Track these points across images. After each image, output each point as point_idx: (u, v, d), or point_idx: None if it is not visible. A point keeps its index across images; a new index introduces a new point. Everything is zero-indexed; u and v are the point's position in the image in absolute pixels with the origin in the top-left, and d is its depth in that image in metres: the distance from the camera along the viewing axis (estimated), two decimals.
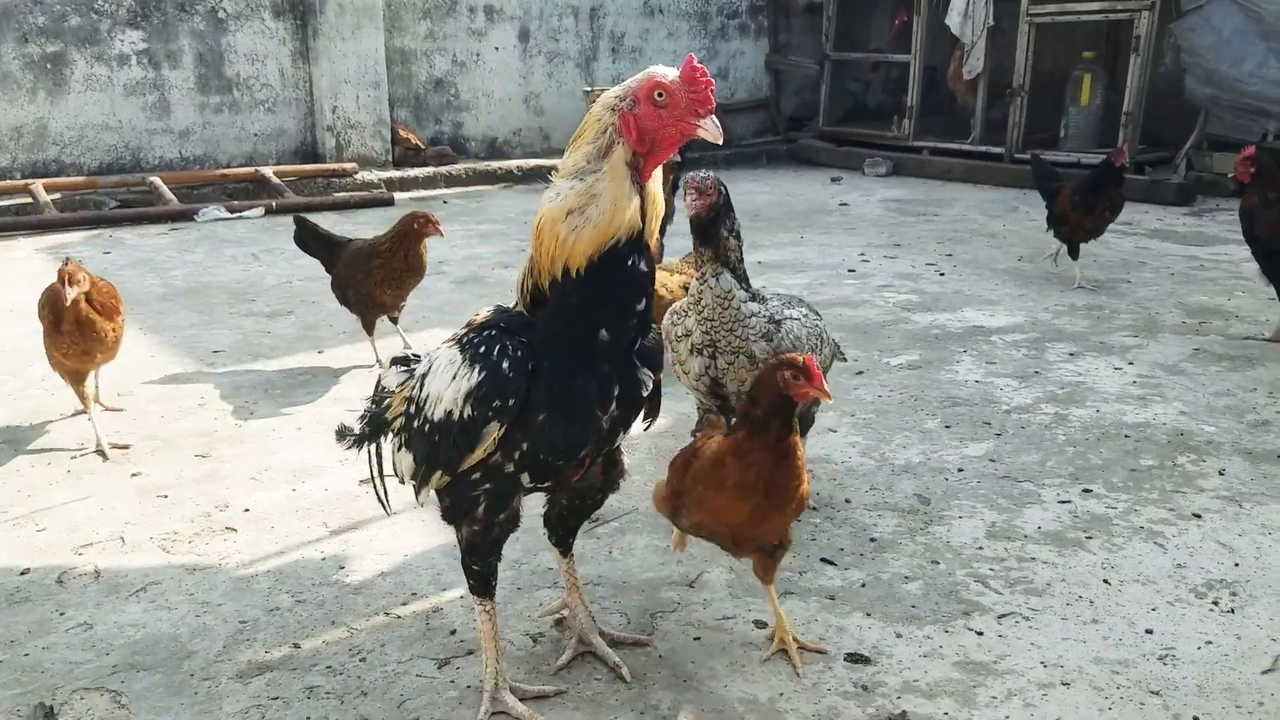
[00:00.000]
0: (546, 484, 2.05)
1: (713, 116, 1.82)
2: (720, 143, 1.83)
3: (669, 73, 1.83)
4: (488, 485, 1.99)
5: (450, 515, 2.09)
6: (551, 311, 1.89)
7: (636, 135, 1.82)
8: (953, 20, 9.93)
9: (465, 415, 1.89)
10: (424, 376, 2.03)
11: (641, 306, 1.88)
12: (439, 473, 2.02)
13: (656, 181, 1.88)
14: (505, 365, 1.86)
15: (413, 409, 2.05)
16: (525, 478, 1.98)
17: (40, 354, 4.56)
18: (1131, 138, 9.05)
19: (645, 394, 1.99)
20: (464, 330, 2.00)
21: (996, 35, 9.86)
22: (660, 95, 1.81)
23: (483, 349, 1.90)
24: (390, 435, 2.22)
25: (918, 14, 10.42)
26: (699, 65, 1.81)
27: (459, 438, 1.92)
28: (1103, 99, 9.54)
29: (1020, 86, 9.61)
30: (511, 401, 1.86)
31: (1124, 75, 9.14)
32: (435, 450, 1.99)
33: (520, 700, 2.17)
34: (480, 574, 2.15)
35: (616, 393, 1.91)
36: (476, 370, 1.88)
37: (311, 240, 4.67)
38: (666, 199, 2.15)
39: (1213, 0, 8.48)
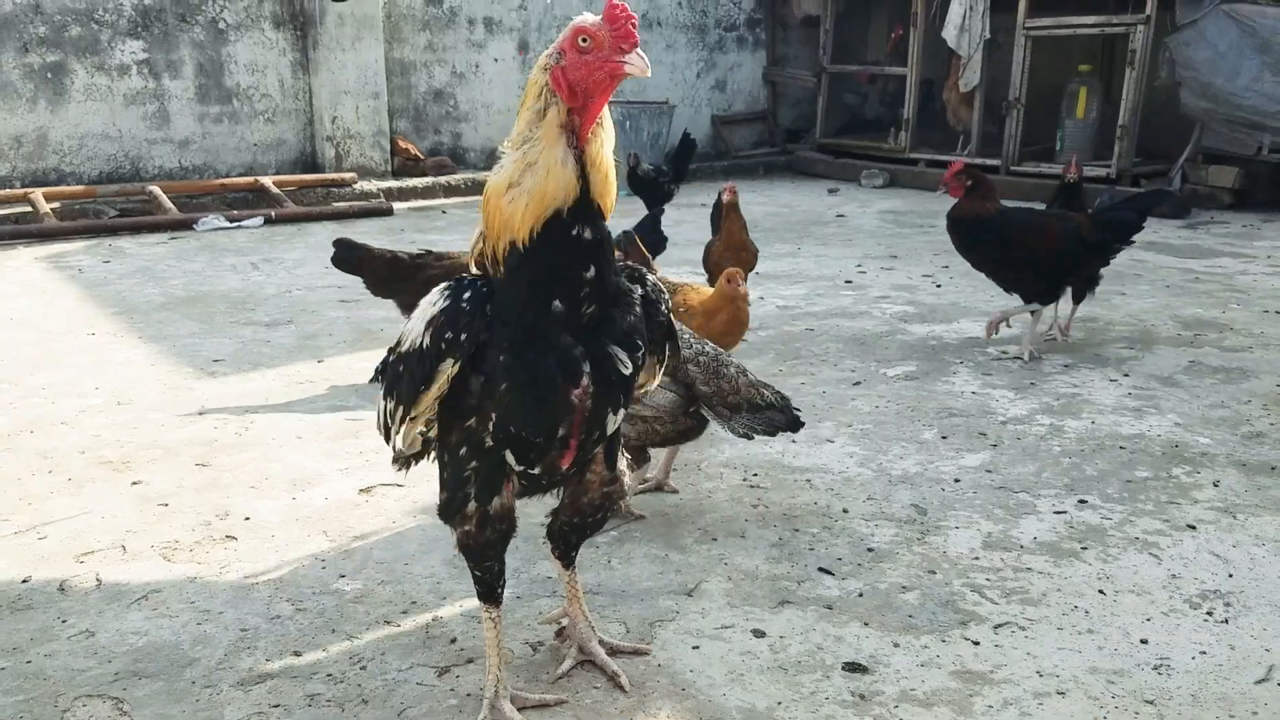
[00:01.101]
0: (536, 471, 2.00)
1: (638, 51, 1.73)
2: (647, 75, 1.75)
3: (590, 17, 1.76)
4: (474, 463, 1.96)
5: (444, 510, 2.06)
6: (505, 286, 1.84)
7: (568, 89, 1.75)
8: (949, 34, 10.00)
9: (424, 344, 1.86)
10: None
11: (591, 274, 1.81)
12: (401, 410, 1.95)
13: (600, 145, 1.80)
14: (465, 299, 1.85)
15: (392, 348, 2.02)
16: (511, 459, 1.95)
17: (42, 362, 4.59)
18: (1127, 151, 9.12)
19: (626, 373, 1.90)
20: None
21: (992, 48, 9.92)
22: (584, 40, 1.74)
23: (455, 285, 1.89)
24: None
25: (914, 27, 10.49)
26: (618, 3, 1.73)
27: (417, 368, 1.88)
28: (1098, 112, 9.61)
29: (1016, 99, 9.67)
30: (463, 336, 1.82)
31: (1119, 88, 9.21)
32: (398, 382, 1.94)
33: (521, 708, 2.19)
34: (483, 580, 2.14)
35: (588, 369, 1.86)
36: (443, 299, 1.88)
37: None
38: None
39: (1208, 15, 8.55)
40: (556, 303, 1.80)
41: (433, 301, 1.91)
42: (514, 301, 1.82)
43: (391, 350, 2.05)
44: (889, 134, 10.90)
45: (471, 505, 2.02)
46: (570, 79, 1.75)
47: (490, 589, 2.15)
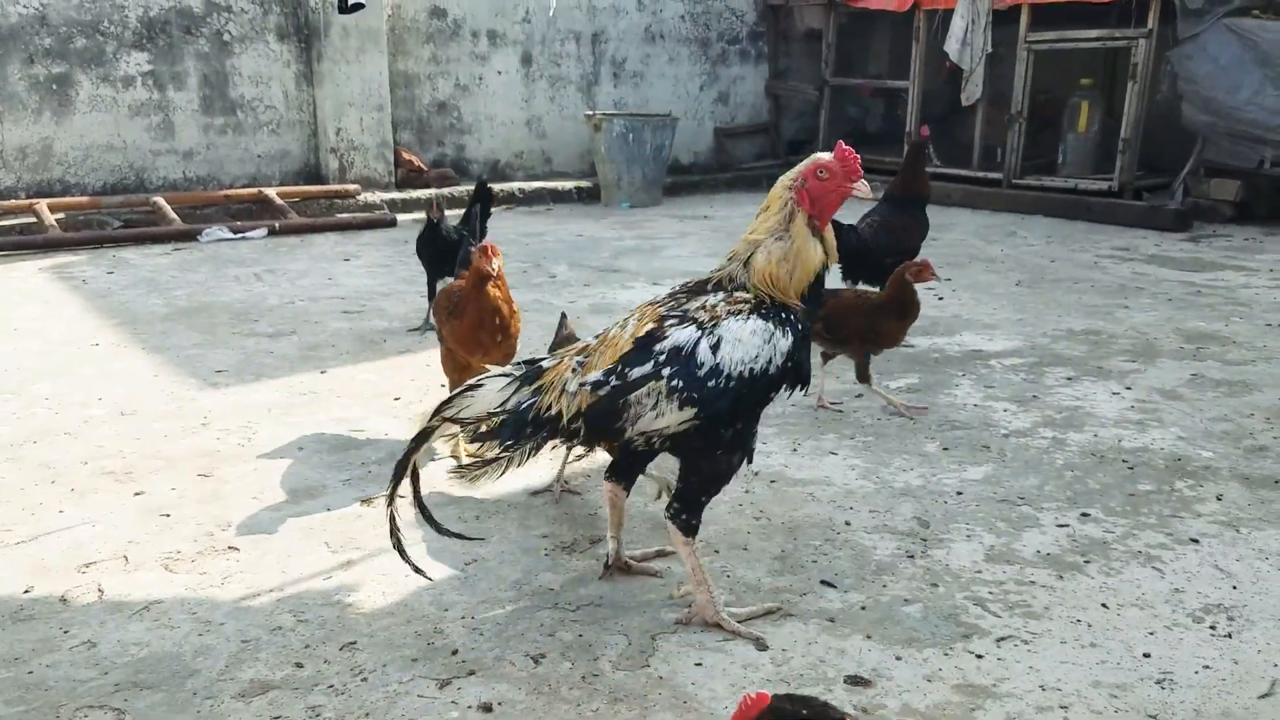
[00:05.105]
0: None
1: (863, 180, 2.53)
2: (870, 197, 2.67)
3: (825, 155, 2.51)
4: (755, 424, 2.59)
5: (731, 447, 2.53)
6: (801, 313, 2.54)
7: (810, 202, 2.51)
8: (951, 47, 10.00)
9: (781, 366, 2.47)
10: (709, 348, 2.43)
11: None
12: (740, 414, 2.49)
13: (829, 231, 2.56)
14: (800, 328, 2.51)
15: (700, 373, 2.42)
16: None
17: (46, 372, 4.60)
18: (1129, 164, 9.13)
19: None
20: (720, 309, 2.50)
21: (994, 62, 9.94)
22: (823, 172, 2.50)
23: (785, 323, 2.49)
24: (620, 398, 2.46)
25: (916, 41, 10.51)
26: (848, 148, 2.52)
27: (767, 384, 2.47)
28: (1100, 125, 9.62)
29: (1018, 113, 9.69)
30: (803, 353, 2.54)
31: (1121, 102, 9.22)
32: (739, 399, 2.45)
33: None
34: (704, 509, 2.61)
35: None
36: (789, 333, 2.48)
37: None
38: None
39: (1209, 28, 8.57)
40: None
41: (779, 337, 2.49)
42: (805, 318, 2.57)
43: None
44: (902, 147, 10.87)
45: (751, 445, 2.59)
46: (812, 196, 2.52)
47: (699, 523, 2.63)
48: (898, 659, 2.46)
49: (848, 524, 3.19)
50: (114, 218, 8.28)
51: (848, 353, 4.27)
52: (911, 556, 2.98)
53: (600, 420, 2.48)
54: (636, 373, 2.45)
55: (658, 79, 11.50)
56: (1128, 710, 2.26)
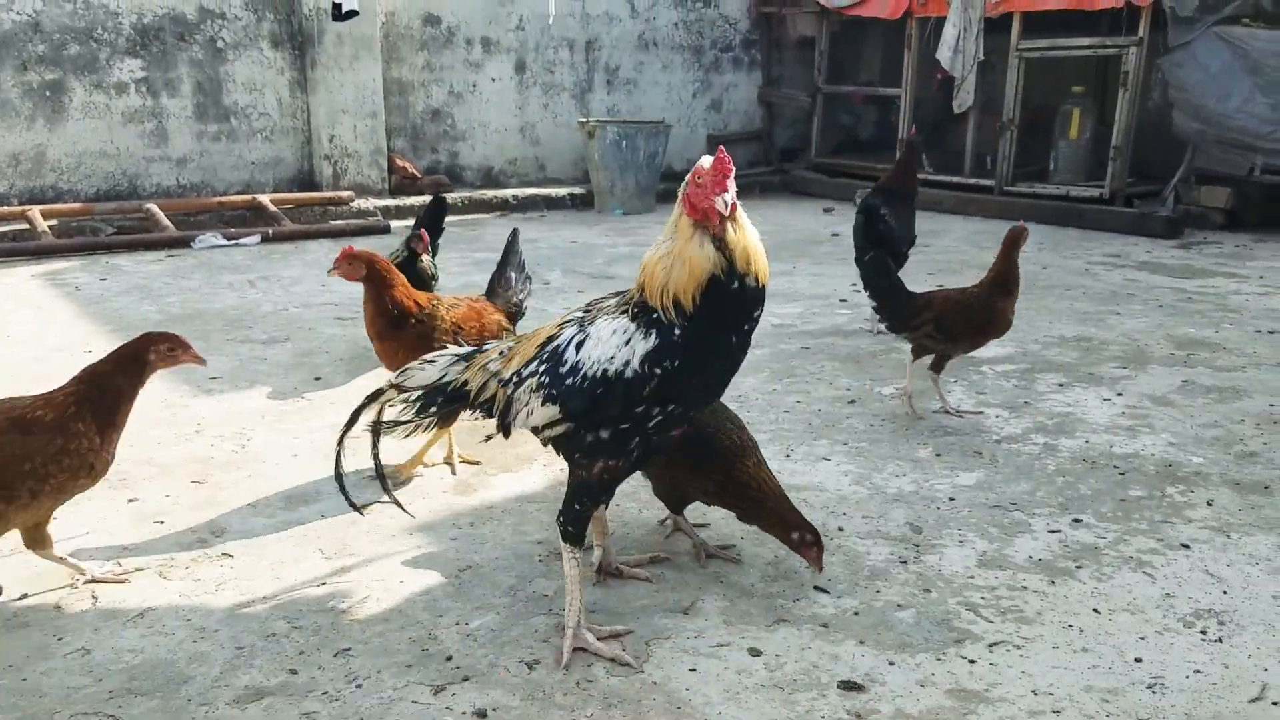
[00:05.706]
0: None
1: (724, 196, 2.26)
2: (725, 213, 2.26)
3: (707, 160, 2.32)
4: (637, 437, 2.42)
5: (592, 453, 2.44)
6: (695, 323, 2.30)
7: (689, 206, 2.32)
8: (943, 55, 10.05)
9: (639, 371, 2.31)
10: (574, 345, 2.41)
11: (757, 314, 2.36)
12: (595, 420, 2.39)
13: (735, 233, 2.30)
14: (675, 334, 2.29)
15: (562, 370, 2.40)
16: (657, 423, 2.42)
17: (39, 379, 4.58)
18: (1120, 171, 9.17)
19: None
20: (593, 310, 2.49)
21: (986, 70, 9.99)
22: (699, 178, 2.29)
23: (654, 325, 2.32)
24: (512, 393, 2.52)
25: (909, 49, 10.55)
26: (725, 156, 2.30)
27: (624, 389, 2.32)
28: (1092, 133, 9.67)
29: (1010, 120, 9.73)
30: (676, 363, 2.30)
31: (1113, 109, 9.27)
32: (595, 402, 2.36)
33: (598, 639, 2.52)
34: (581, 518, 2.51)
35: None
36: (654, 337, 2.31)
37: None
38: None
39: (1200, 37, 8.62)
40: (733, 337, 2.35)
41: (639, 339, 2.34)
42: (704, 335, 2.32)
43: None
44: (895, 154, 10.92)
45: (635, 454, 2.46)
46: (691, 201, 2.32)
47: (582, 532, 2.55)
48: (891, 664, 2.47)
49: (841, 530, 3.20)
50: (107, 224, 8.28)
51: (961, 351, 4.29)
52: (904, 562, 2.99)
53: (501, 417, 2.58)
54: (528, 371, 2.51)
55: (651, 86, 11.53)
56: (1119, 714, 2.28)
